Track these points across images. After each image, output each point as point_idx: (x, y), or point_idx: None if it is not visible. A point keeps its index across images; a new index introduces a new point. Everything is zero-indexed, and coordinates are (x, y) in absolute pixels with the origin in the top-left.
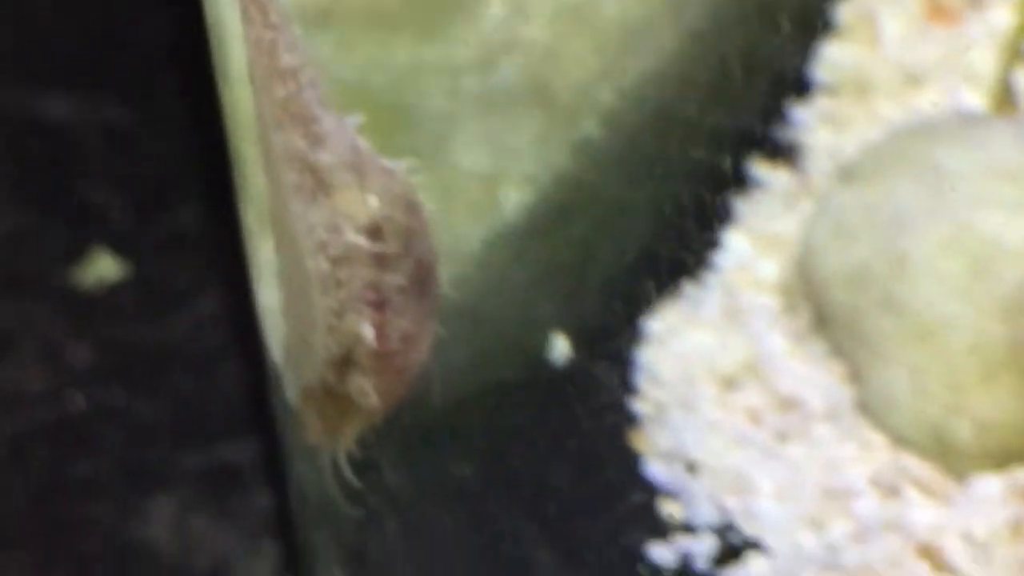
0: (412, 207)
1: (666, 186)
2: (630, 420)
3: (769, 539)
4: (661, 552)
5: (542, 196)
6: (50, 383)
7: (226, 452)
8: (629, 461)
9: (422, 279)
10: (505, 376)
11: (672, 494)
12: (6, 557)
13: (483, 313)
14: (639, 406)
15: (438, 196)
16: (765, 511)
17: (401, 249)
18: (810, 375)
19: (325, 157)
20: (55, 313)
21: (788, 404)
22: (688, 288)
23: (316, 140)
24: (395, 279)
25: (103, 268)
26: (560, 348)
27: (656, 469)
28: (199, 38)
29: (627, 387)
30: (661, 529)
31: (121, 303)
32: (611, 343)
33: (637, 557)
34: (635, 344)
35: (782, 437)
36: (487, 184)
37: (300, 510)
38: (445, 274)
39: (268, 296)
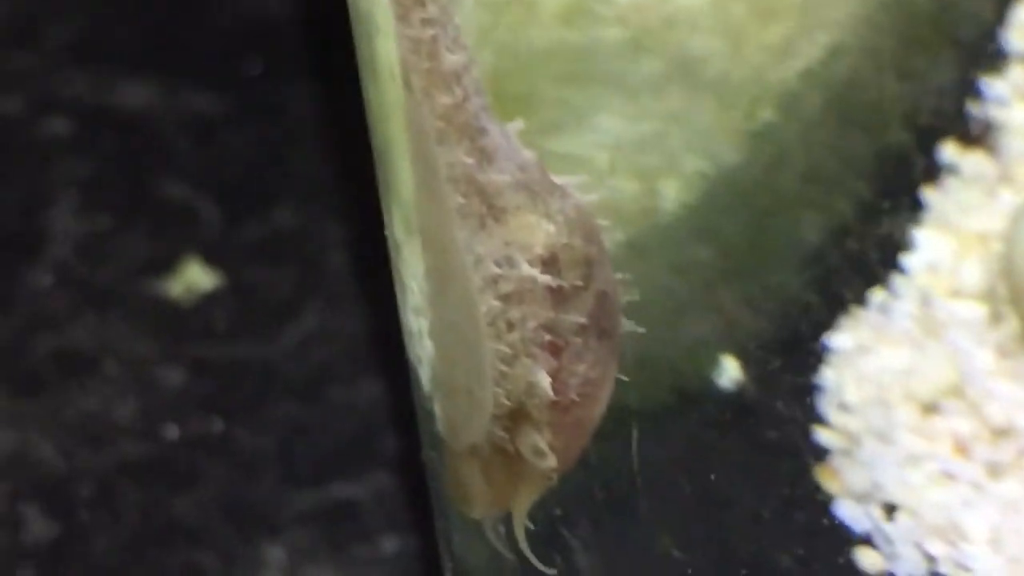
0: (590, 232)
1: (847, 177)
2: (816, 454)
3: None
4: None
5: (706, 193)
6: (138, 411)
7: (343, 489)
8: (817, 502)
9: (603, 316)
10: (664, 405)
11: (869, 540)
12: None
13: (637, 332)
14: (826, 437)
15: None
16: (979, 560)
17: (580, 281)
18: None
19: (496, 177)
20: (140, 330)
21: (1000, 432)
22: (876, 296)
23: (484, 156)
24: (574, 318)
25: (192, 278)
26: (729, 371)
27: (849, 511)
28: (290, 16)
29: (811, 416)
30: None
31: (214, 318)
32: (789, 363)
33: None
34: (818, 364)
35: (995, 471)
36: (638, 181)
37: None
38: None
39: (417, 320)
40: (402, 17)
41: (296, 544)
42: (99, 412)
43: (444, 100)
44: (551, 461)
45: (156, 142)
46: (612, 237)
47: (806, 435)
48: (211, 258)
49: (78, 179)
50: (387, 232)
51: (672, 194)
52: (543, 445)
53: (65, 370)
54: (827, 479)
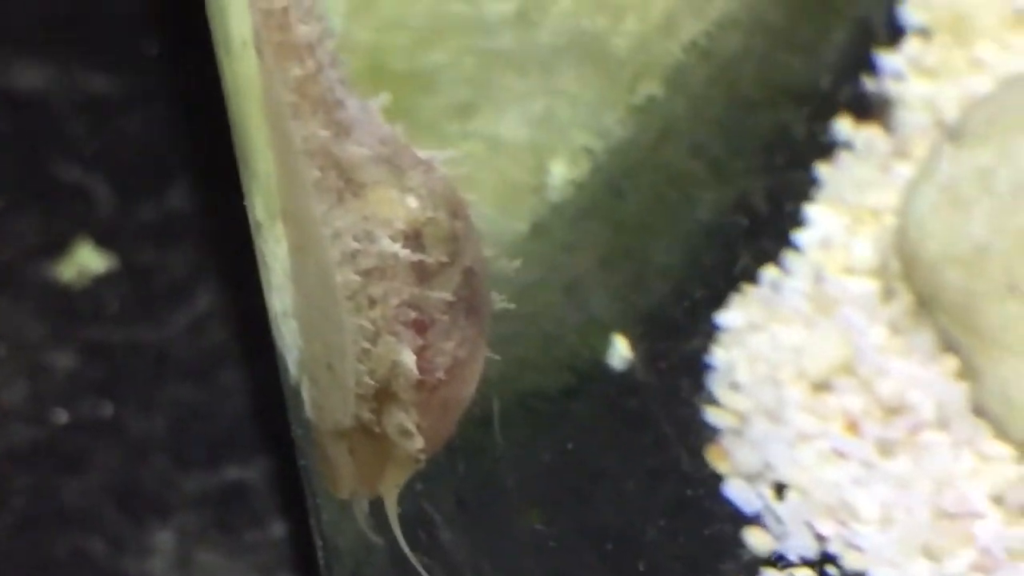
0: (456, 207)
1: (737, 152)
2: (705, 434)
3: (876, 573)
4: None
5: (594, 170)
6: (27, 396)
7: (233, 472)
8: (706, 483)
9: (471, 293)
10: (555, 385)
11: (759, 520)
12: None
13: (527, 311)
14: (715, 417)
15: (470, 176)
16: (869, 539)
17: (446, 257)
18: (916, 373)
19: (353, 150)
20: (31, 313)
21: (891, 409)
22: (767, 274)
23: (341, 129)
24: (440, 294)
25: (84, 260)
26: (619, 350)
27: (738, 491)
28: None
29: (701, 395)
30: (746, 564)
31: (106, 301)
32: (679, 342)
33: None
34: (708, 343)
35: (886, 449)
36: (529, 159)
37: (331, 565)
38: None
39: (281, 300)
40: None
41: (186, 528)
42: None
43: (296, 72)
44: (418, 442)
45: (50, 124)
46: (500, 215)
47: (696, 415)
48: (103, 240)
49: None
50: (248, 212)
51: (561, 171)
52: (409, 425)
53: None
54: (717, 459)
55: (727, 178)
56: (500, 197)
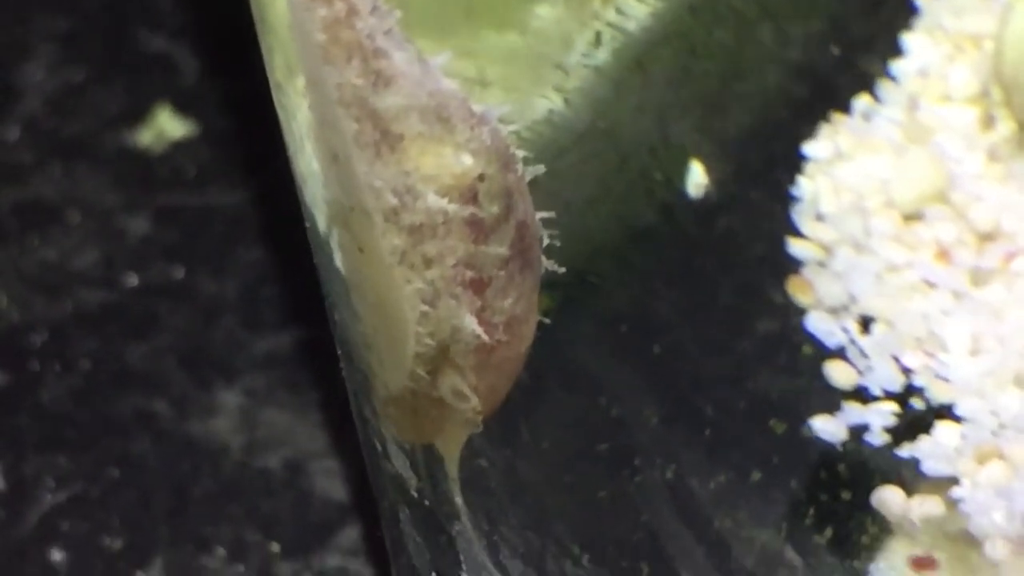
0: (509, 160)
1: None
2: (789, 265)
3: (963, 404)
4: (828, 426)
5: None
6: (99, 261)
7: (302, 333)
8: (789, 316)
9: (525, 247)
10: (631, 213)
11: (842, 354)
12: (46, 461)
13: (601, 138)
14: (799, 248)
15: None
16: (957, 370)
17: (501, 212)
18: (1014, 200)
19: (393, 101)
20: (108, 180)
21: (986, 236)
22: (859, 102)
23: (380, 80)
24: (496, 250)
25: (164, 126)
26: (698, 178)
27: (822, 324)
28: None
29: (784, 225)
30: (828, 397)
31: (183, 166)
32: (763, 171)
33: (799, 433)
34: (793, 172)
35: (978, 278)
36: None
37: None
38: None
39: (306, 162)
40: None
41: (253, 388)
42: (58, 262)
43: (322, 12)
44: (472, 403)
45: None
46: (574, 38)
47: (779, 246)
48: (184, 107)
49: (56, 33)
50: (266, 68)
51: None
52: (464, 388)
53: (27, 221)
54: (799, 292)
55: (818, 4)
56: (576, 18)
